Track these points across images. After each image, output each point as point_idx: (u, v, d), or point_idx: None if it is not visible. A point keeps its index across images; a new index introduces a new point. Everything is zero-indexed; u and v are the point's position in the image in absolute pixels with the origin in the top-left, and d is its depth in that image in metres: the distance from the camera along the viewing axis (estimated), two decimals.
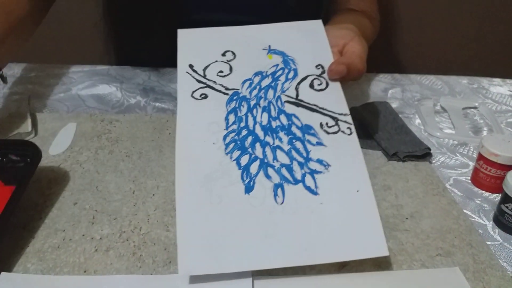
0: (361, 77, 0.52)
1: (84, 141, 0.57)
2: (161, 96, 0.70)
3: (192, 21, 0.69)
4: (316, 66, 0.52)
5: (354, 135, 0.47)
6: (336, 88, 0.51)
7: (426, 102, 0.74)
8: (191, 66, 0.51)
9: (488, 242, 0.46)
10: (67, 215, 0.46)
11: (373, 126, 0.61)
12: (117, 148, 0.56)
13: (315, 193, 0.43)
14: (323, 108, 0.49)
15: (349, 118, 0.48)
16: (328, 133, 0.47)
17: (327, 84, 0.51)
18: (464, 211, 0.50)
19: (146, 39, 0.73)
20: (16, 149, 0.48)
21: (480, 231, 0.47)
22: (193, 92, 0.49)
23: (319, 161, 0.45)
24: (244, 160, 0.45)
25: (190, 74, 0.51)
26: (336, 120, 0.48)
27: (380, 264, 0.42)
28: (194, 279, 0.39)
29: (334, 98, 0.50)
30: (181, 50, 0.53)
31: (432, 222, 0.48)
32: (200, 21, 0.59)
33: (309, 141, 0.46)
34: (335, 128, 0.47)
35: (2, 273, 0.38)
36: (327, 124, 0.48)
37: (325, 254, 0.40)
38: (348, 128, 0.48)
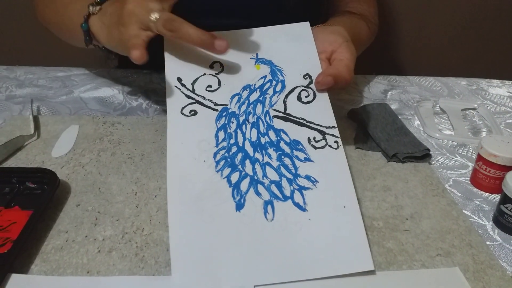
0: (348, 86, 0.52)
1: (86, 143, 0.58)
2: (162, 98, 0.70)
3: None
4: (304, 76, 0.53)
5: (341, 149, 0.48)
6: (323, 99, 0.51)
7: (425, 103, 0.74)
8: (179, 79, 0.51)
9: (487, 242, 0.46)
10: (69, 216, 0.46)
11: (373, 128, 0.62)
12: (119, 150, 0.57)
13: (304, 210, 0.44)
14: (310, 122, 0.50)
15: (336, 131, 0.49)
16: (315, 148, 0.48)
17: (315, 95, 0.52)
18: (464, 211, 0.50)
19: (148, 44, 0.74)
20: (34, 176, 0.48)
21: (479, 231, 0.48)
22: (183, 108, 0.49)
23: (307, 177, 0.46)
24: (235, 177, 0.45)
25: (179, 89, 0.50)
26: (323, 134, 0.49)
27: (380, 264, 0.42)
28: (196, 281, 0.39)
29: (322, 111, 0.51)
30: (169, 59, 0.52)
31: (432, 222, 0.48)
32: (203, 27, 0.59)
33: (297, 157, 0.47)
34: (323, 143, 0.48)
35: (8, 274, 0.39)
36: (314, 138, 0.49)
37: (314, 270, 0.41)
38: (335, 142, 0.49)
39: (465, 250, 0.45)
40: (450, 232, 0.47)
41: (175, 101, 0.50)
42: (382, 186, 0.53)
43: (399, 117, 0.66)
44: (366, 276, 0.41)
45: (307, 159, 0.47)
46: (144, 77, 0.76)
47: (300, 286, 0.40)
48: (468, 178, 0.56)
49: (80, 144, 0.57)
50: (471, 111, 0.74)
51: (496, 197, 0.53)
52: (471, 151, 0.62)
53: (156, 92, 0.72)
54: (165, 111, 0.66)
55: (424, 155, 0.58)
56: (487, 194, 0.54)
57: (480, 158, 0.53)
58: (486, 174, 0.53)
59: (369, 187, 0.53)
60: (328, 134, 0.49)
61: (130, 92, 0.71)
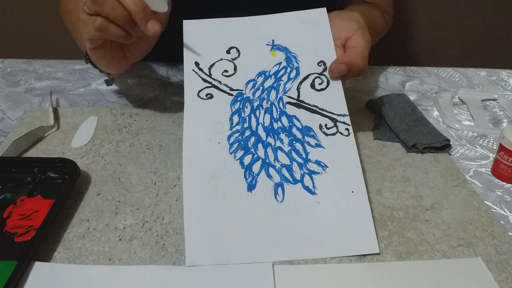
0: (362, 74, 0.52)
1: (105, 134, 0.58)
2: (179, 90, 0.70)
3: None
4: (318, 63, 0.53)
5: (352, 136, 0.49)
6: (336, 86, 0.52)
7: (444, 94, 0.73)
8: (197, 64, 0.53)
9: (510, 233, 0.45)
10: (90, 205, 0.47)
11: (391, 118, 0.61)
12: (137, 140, 0.57)
13: (313, 193, 0.45)
14: (323, 109, 0.50)
15: (347, 119, 0.50)
16: (326, 134, 0.49)
17: (328, 83, 0.52)
18: (485, 202, 0.50)
19: (162, 37, 0.74)
20: (55, 166, 0.49)
21: (501, 222, 0.47)
22: (199, 91, 0.51)
23: (317, 163, 0.47)
24: (247, 159, 0.47)
25: (196, 73, 0.52)
26: (335, 121, 0.50)
27: (401, 254, 0.42)
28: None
29: (334, 98, 0.51)
30: (187, 45, 0.54)
31: (452, 213, 0.47)
32: None
33: (308, 143, 0.48)
34: (334, 130, 0.49)
35: (32, 262, 0.39)
36: (326, 125, 0.49)
37: (321, 250, 0.42)
38: (346, 129, 0.49)
39: (487, 241, 0.44)
40: (471, 223, 0.46)
41: (192, 84, 0.51)
42: (402, 176, 0.53)
43: (418, 108, 0.65)
44: (386, 265, 0.41)
45: (318, 145, 0.48)
46: (161, 70, 0.76)
47: (319, 269, 0.40)
48: (489, 169, 0.55)
49: (99, 135, 0.58)
50: (492, 101, 0.72)
51: None
52: (492, 141, 0.61)
53: (172, 85, 0.72)
54: (182, 103, 0.67)
55: (443, 146, 0.57)
56: (509, 185, 0.53)
57: (502, 148, 0.52)
58: (509, 164, 0.52)
59: (388, 178, 0.52)
60: (340, 122, 0.50)
61: (147, 85, 0.72)
